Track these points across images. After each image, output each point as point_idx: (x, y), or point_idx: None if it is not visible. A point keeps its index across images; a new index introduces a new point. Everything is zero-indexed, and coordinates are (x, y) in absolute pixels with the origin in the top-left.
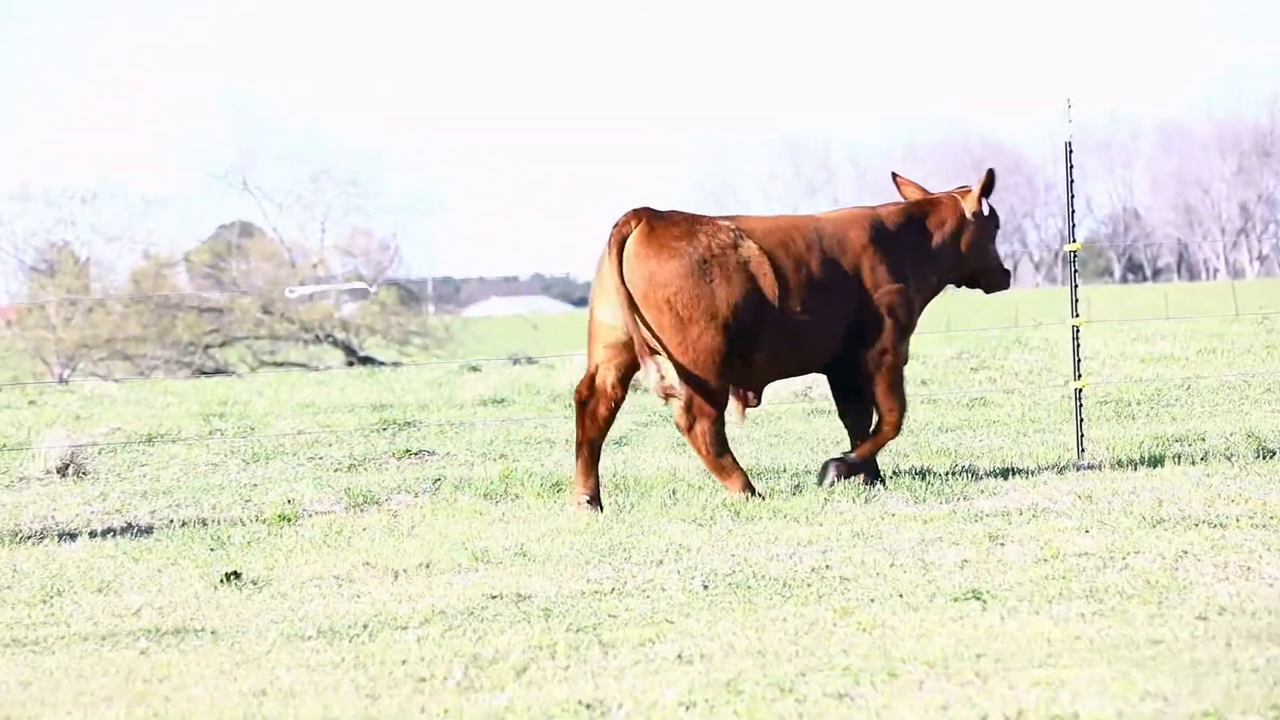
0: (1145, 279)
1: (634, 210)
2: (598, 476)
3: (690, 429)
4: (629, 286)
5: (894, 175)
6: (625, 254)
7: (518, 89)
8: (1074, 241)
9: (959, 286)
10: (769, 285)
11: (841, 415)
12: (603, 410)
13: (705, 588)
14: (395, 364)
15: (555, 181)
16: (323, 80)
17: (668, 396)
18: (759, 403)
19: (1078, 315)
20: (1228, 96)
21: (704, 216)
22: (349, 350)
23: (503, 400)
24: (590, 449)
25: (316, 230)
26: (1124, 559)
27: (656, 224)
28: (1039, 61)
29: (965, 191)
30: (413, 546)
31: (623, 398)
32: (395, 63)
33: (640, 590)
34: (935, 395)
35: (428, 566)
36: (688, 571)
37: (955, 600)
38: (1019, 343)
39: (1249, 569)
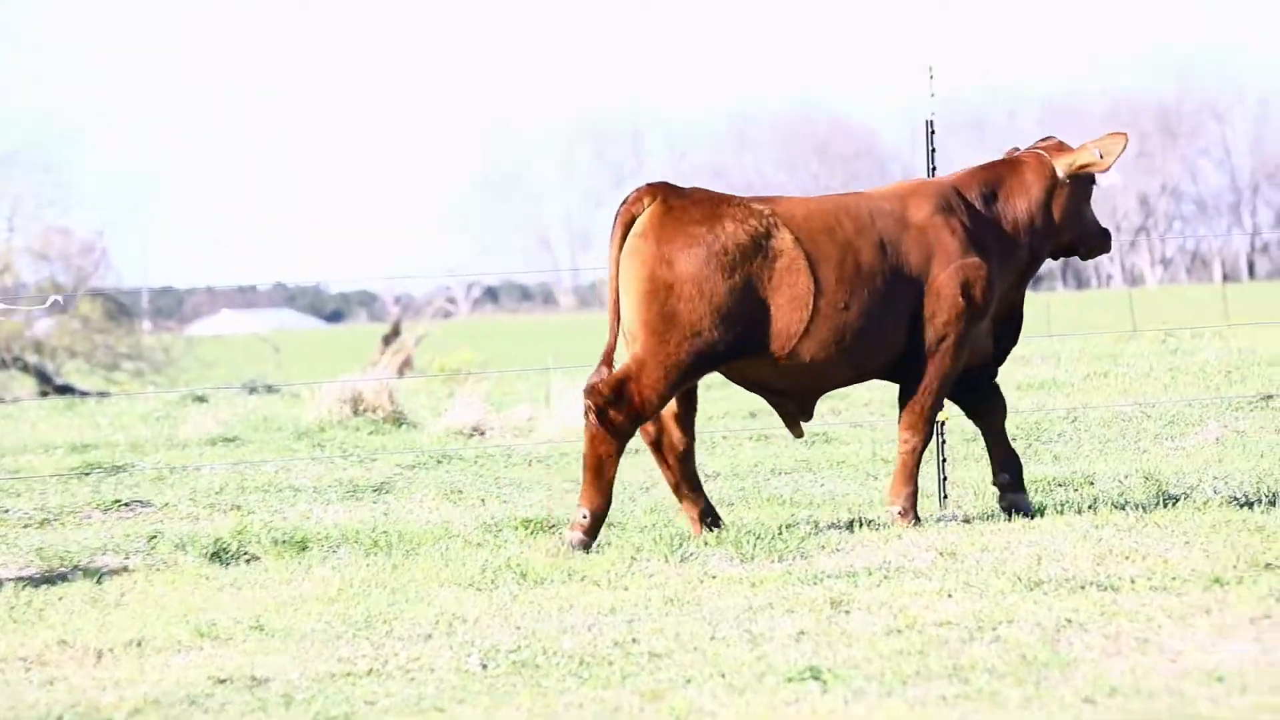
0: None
1: (648, 185)
2: (706, 498)
3: (600, 410)
4: (625, 273)
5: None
6: (632, 234)
7: (262, 49)
8: None
9: (1055, 259)
10: (804, 285)
11: (972, 415)
12: (677, 437)
13: (484, 667)
14: (101, 394)
15: (305, 172)
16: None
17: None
18: (810, 417)
19: None
20: (1127, 68)
21: (733, 197)
22: (43, 377)
23: (235, 439)
24: (688, 484)
25: (2, 229)
26: (995, 629)
27: (674, 203)
28: (897, 26)
29: (1056, 148)
30: (121, 620)
31: (694, 409)
32: (99, 11)
33: (404, 671)
34: (768, 430)
35: (140, 644)
36: (462, 647)
37: (789, 680)
38: None
39: (1145, 641)
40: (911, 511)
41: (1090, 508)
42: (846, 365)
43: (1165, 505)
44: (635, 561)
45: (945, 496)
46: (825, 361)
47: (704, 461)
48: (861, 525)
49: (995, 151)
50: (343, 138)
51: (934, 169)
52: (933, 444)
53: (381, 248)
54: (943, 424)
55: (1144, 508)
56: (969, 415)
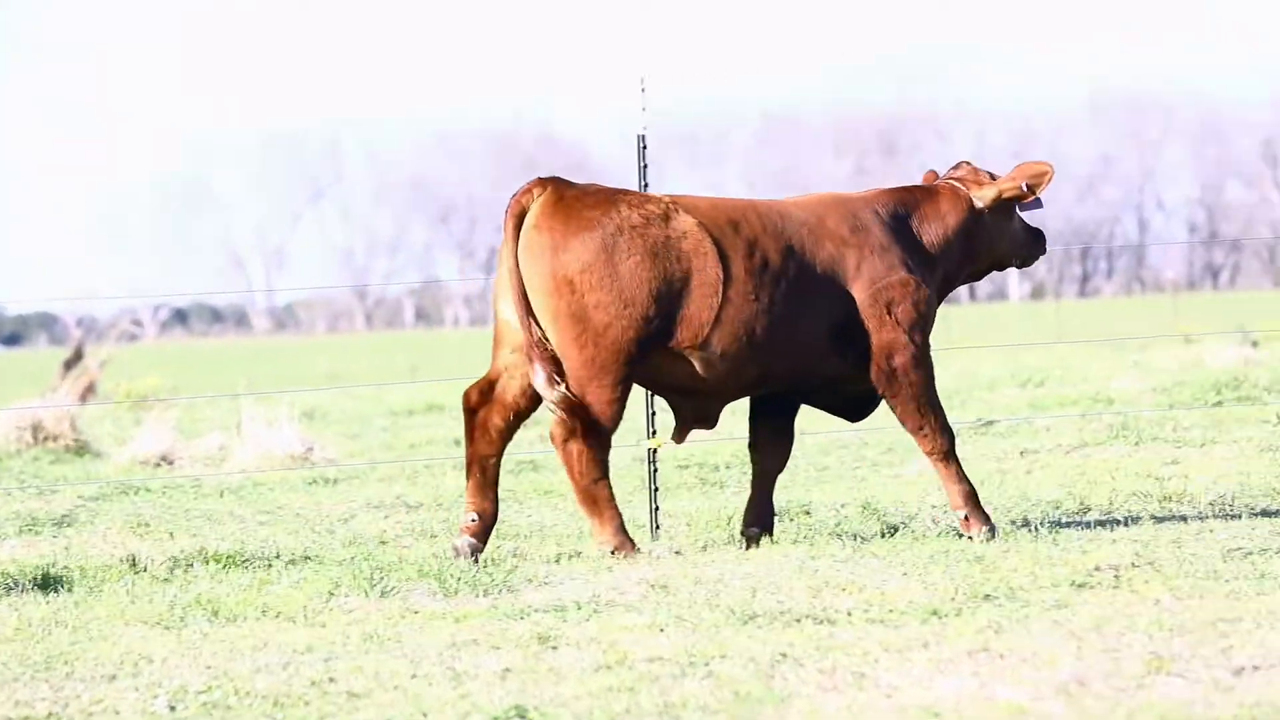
0: None
1: (539, 178)
2: (495, 503)
3: (565, 443)
4: (524, 268)
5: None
6: (524, 229)
7: None
8: None
9: (976, 280)
10: (712, 266)
11: (751, 447)
12: (498, 420)
13: (172, 709)
14: None
15: None
16: None
17: (567, 409)
18: (713, 424)
19: None
20: (846, 83)
21: (627, 189)
22: None
23: None
24: (481, 468)
25: None
26: (707, 664)
27: (567, 193)
28: (610, 38)
29: (972, 177)
30: None
31: (527, 412)
32: None
33: (85, 714)
34: None
35: None
36: (149, 689)
37: (495, 719)
38: None
39: (862, 675)
40: (979, 511)
41: (807, 538)
42: (756, 364)
43: (883, 535)
44: (333, 596)
45: (657, 527)
46: (736, 356)
47: (406, 492)
48: (571, 557)
49: (710, 165)
50: (16, 146)
51: (646, 184)
52: (643, 474)
53: (62, 266)
54: (654, 451)
55: (862, 538)
56: (752, 444)
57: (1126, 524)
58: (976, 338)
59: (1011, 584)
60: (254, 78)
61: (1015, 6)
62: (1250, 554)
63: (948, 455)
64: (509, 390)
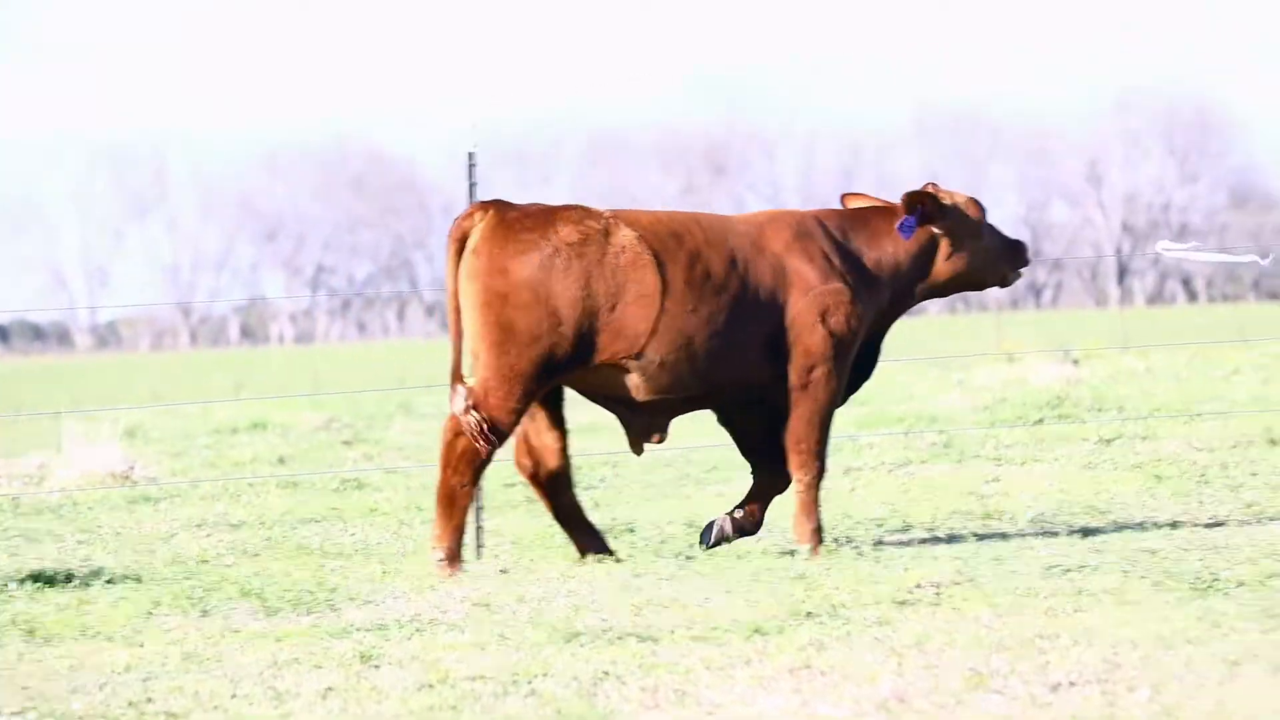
0: None
1: (481, 202)
2: (592, 529)
3: (456, 435)
4: (462, 290)
5: (843, 197)
6: (466, 253)
7: None
8: None
9: (946, 295)
10: (650, 278)
11: (747, 455)
12: (555, 464)
13: None
14: None
15: None
16: None
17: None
18: (664, 438)
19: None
20: (674, 101)
21: (572, 205)
22: None
23: None
24: (571, 517)
25: None
26: (530, 683)
27: (507, 216)
28: (438, 56)
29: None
30: None
31: (565, 435)
32: None
33: None
34: (296, 477)
35: None
36: None
37: None
38: (404, 409)
39: (684, 693)
40: (820, 544)
41: (631, 556)
42: (695, 374)
43: (707, 553)
44: (152, 616)
45: (481, 546)
46: (674, 367)
47: (228, 510)
48: (394, 575)
49: (539, 182)
50: None
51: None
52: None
53: None
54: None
55: (685, 556)
56: (750, 457)
57: (948, 541)
58: None
59: (834, 601)
60: (78, 92)
61: (842, 25)
62: (1069, 571)
63: (813, 484)
64: (541, 432)
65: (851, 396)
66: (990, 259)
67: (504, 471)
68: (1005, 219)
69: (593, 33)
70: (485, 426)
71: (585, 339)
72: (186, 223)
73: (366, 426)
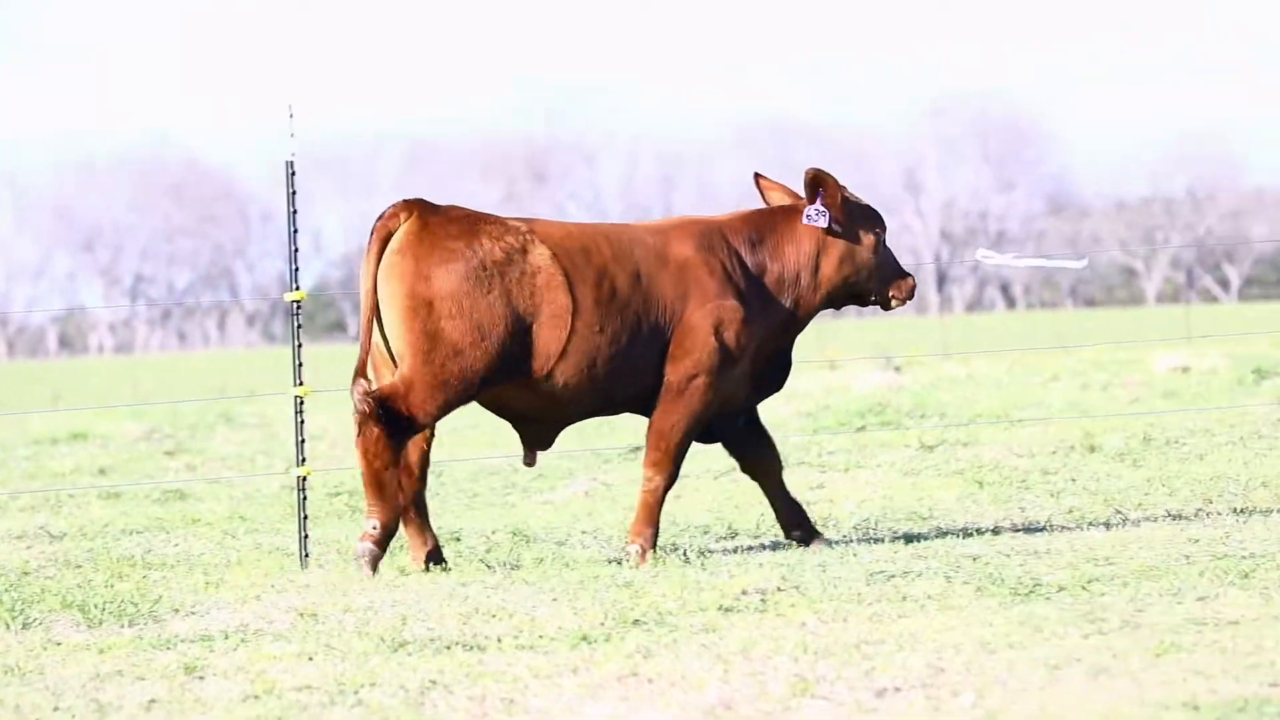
0: None
1: (404, 201)
2: (433, 532)
3: (367, 424)
4: (383, 289)
5: (756, 176)
6: (388, 251)
7: None
8: (297, 289)
9: (838, 308)
10: (562, 299)
11: (742, 467)
12: (414, 456)
13: None
14: None
15: None
16: None
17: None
18: (550, 445)
19: (302, 383)
20: (494, 109)
21: (489, 215)
22: None
23: None
24: (416, 509)
25: None
26: (357, 693)
27: (431, 219)
28: (256, 64)
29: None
30: None
31: (432, 432)
32: None
33: None
34: (118, 487)
35: None
36: None
37: None
38: (226, 419)
39: (512, 701)
40: (650, 551)
41: (457, 565)
42: (597, 392)
43: (534, 561)
44: None
45: (308, 555)
46: (578, 386)
47: (49, 522)
48: (218, 587)
49: (359, 192)
50: None
51: (295, 210)
52: (293, 500)
53: None
54: (304, 479)
55: (512, 564)
56: (744, 470)
57: (773, 548)
58: None
59: (660, 609)
60: None
61: (662, 33)
62: (893, 577)
63: (660, 488)
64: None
65: (761, 402)
66: (884, 275)
67: (329, 480)
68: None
69: (413, 40)
70: (385, 414)
71: (505, 357)
72: (2, 232)
73: (188, 436)
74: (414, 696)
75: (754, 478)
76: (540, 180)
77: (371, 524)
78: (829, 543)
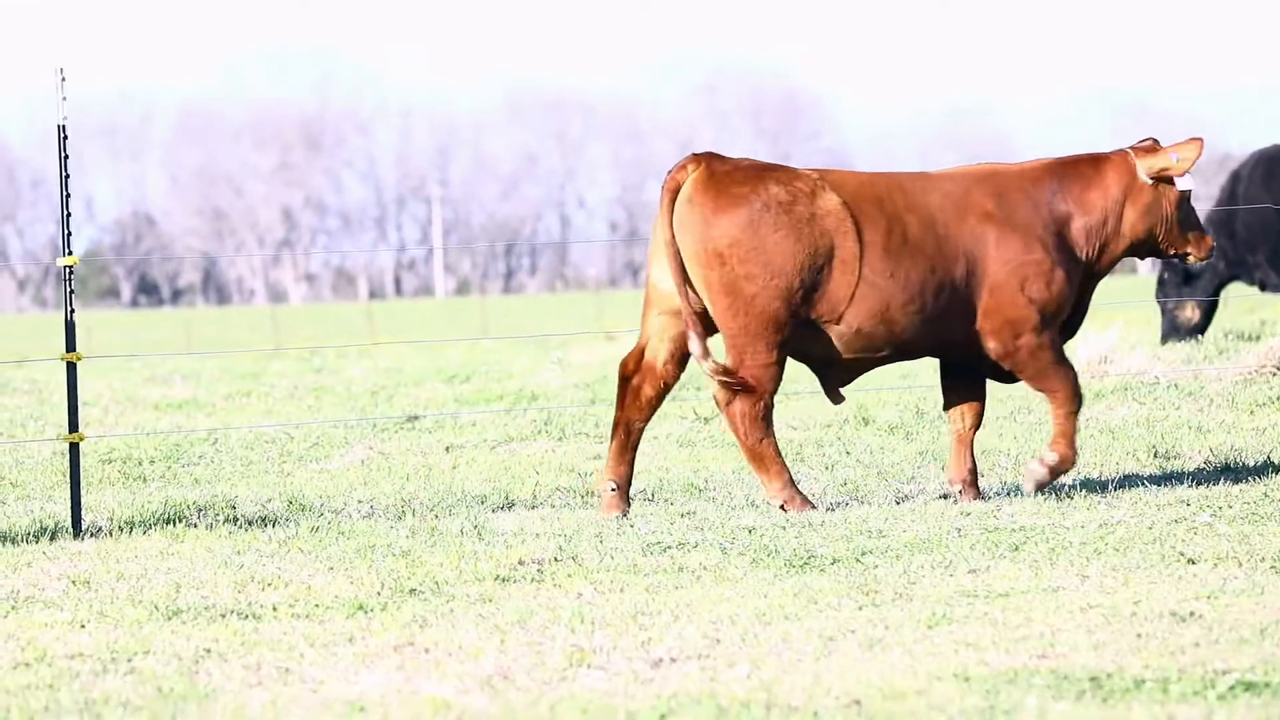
0: (163, 302)
1: (694, 154)
2: (631, 466)
3: (729, 404)
4: (679, 241)
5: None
6: (679, 203)
7: None
8: (69, 254)
9: (1142, 257)
10: (850, 245)
11: (947, 407)
12: (649, 390)
13: None
14: None
15: None
16: None
17: (724, 378)
18: (841, 398)
19: (74, 349)
20: (268, 76)
21: (781, 165)
22: None
23: None
24: (627, 431)
25: None
26: (130, 660)
27: (718, 168)
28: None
29: (1142, 149)
30: None
31: (676, 378)
32: None
33: None
34: None
35: None
36: None
37: None
38: None
39: (287, 670)
40: (1069, 460)
41: (232, 534)
42: (890, 336)
43: (310, 530)
44: None
45: (82, 523)
46: (870, 330)
47: None
48: None
49: (129, 157)
50: None
51: (67, 175)
52: (64, 467)
53: None
54: (76, 446)
55: (288, 532)
56: (948, 407)
57: (550, 519)
58: (402, 333)
59: (437, 578)
60: None
61: (437, 2)
62: (669, 548)
63: (1074, 410)
64: (659, 356)
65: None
66: (1185, 230)
67: (102, 446)
68: (601, 199)
69: (185, 5)
70: (724, 372)
71: (797, 295)
72: None
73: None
74: (188, 665)
75: (952, 420)
76: (314, 149)
77: (775, 500)
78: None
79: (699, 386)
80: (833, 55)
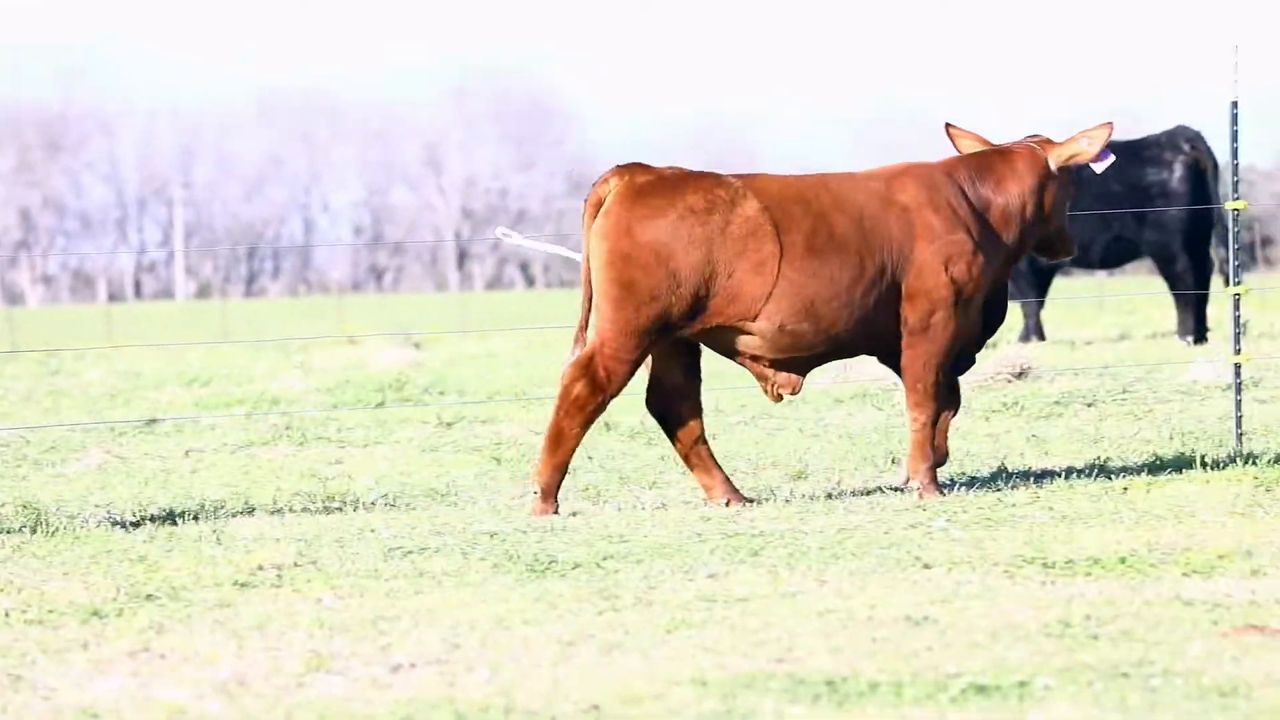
0: None
1: (618, 166)
2: (722, 470)
3: (572, 382)
4: (592, 251)
5: (948, 126)
6: (599, 215)
7: None
8: None
9: (1040, 253)
10: (767, 247)
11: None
12: (687, 412)
13: None
14: None
15: None
16: None
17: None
18: (798, 390)
19: None
20: (3, 72)
21: (706, 172)
22: None
23: None
24: (697, 454)
25: None
26: None
27: (640, 180)
28: None
29: (1046, 143)
30: None
31: (699, 383)
32: None
33: None
34: None
35: None
36: None
37: None
38: None
39: (19, 678)
40: (933, 484)
41: None
42: (818, 333)
43: (44, 535)
44: None
45: None
46: (795, 327)
47: None
48: None
49: None
50: None
51: None
52: None
53: None
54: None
55: (21, 538)
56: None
57: (291, 523)
58: (141, 336)
59: (174, 584)
60: None
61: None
62: (410, 553)
63: (928, 428)
64: (675, 378)
65: (987, 339)
66: (1066, 228)
67: None
68: (347, 203)
69: None
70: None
71: (702, 303)
72: None
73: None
74: None
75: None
76: (54, 150)
77: (534, 489)
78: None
79: (442, 391)
80: (581, 62)
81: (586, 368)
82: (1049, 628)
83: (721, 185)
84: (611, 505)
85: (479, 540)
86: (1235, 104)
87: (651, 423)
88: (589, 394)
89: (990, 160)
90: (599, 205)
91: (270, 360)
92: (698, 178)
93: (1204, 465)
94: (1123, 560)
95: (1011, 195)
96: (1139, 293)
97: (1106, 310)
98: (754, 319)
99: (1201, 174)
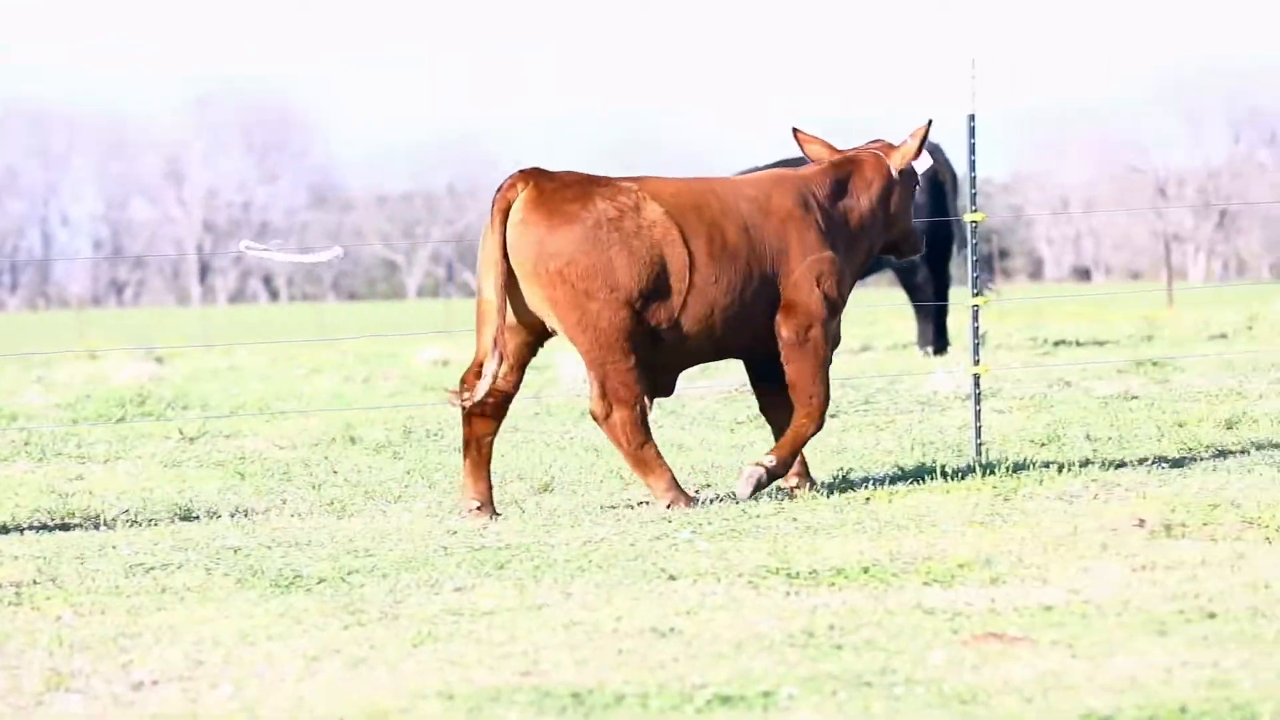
0: None
1: (521, 172)
2: (489, 479)
3: (606, 418)
4: (513, 260)
5: (795, 131)
6: (510, 222)
7: None
8: None
9: (888, 254)
10: (679, 253)
11: (763, 410)
12: (491, 402)
13: None
14: None
15: None
16: None
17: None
18: (671, 391)
19: None
20: None
21: (601, 177)
22: None
23: None
24: (479, 447)
25: None
26: None
27: (547, 186)
28: None
29: (887, 147)
30: None
31: (517, 385)
32: None
33: None
34: None
35: None
36: None
37: None
38: None
39: None
40: (776, 477)
41: None
42: (714, 337)
43: None
44: None
45: None
46: (696, 332)
47: None
48: None
49: None
50: None
51: None
52: None
53: None
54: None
55: None
56: (764, 410)
57: (30, 540)
58: None
59: None
60: None
61: None
62: (153, 569)
63: (809, 435)
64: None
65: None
66: (914, 227)
67: None
68: (85, 216)
69: None
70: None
71: (637, 305)
72: None
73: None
74: None
75: (771, 421)
76: None
77: (661, 501)
78: (818, 488)
79: (185, 405)
80: (325, 73)
81: (604, 396)
82: (793, 638)
83: (622, 191)
84: (357, 519)
85: (222, 556)
86: (973, 117)
87: (397, 436)
88: (626, 412)
89: (845, 169)
90: (507, 211)
91: (9, 375)
92: (599, 182)
93: (944, 475)
94: (865, 570)
95: (864, 203)
96: (880, 304)
97: (848, 321)
98: (667, 325)
99: (940, 186)
